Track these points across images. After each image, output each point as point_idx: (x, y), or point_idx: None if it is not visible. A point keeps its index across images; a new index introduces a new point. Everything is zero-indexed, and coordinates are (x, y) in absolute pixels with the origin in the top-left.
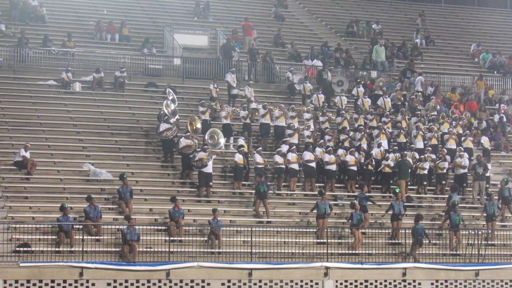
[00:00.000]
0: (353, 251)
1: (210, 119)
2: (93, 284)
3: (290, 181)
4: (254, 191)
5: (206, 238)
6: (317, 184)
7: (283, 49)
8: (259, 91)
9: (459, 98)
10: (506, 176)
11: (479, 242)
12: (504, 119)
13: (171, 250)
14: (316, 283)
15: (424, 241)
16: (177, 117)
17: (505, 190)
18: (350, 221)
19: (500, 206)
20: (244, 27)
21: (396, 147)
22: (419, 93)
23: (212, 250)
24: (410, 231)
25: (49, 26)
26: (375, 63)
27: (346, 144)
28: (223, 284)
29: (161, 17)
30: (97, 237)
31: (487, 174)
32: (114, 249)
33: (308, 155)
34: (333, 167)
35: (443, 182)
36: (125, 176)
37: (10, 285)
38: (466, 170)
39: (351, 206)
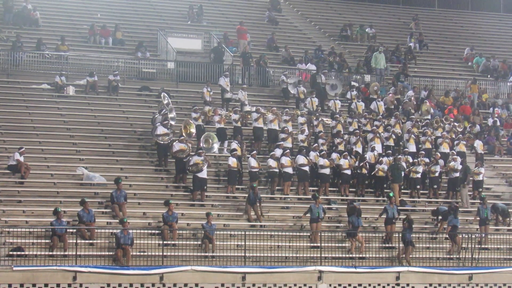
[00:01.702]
0: (348, 255)
1: (204, 124)
2: None
3: (283, 185)
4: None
5: (199, 242)
6: (310, 188)
7: (276, 53)
8: (253, 95)
9: (452, 102)
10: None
11: (473, 246)
12: (498, 123)
13: (164, 254)
14: (310, 287)
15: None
16: (172, 122)
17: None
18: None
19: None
20: (239, 30)
21: (390, 151)
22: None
23: (206, 254)
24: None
25: (43, 30)
26: (374, 70)
27: (341, 147)
28: None
29: (154, 21)
30: (90, 241)
31: (480, 178)
32: (107, 253)
33: (301, 159)
34: (327, 171)
35: (435, 186)
36: (120, 180)
37: None
38: (458, 174)
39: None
